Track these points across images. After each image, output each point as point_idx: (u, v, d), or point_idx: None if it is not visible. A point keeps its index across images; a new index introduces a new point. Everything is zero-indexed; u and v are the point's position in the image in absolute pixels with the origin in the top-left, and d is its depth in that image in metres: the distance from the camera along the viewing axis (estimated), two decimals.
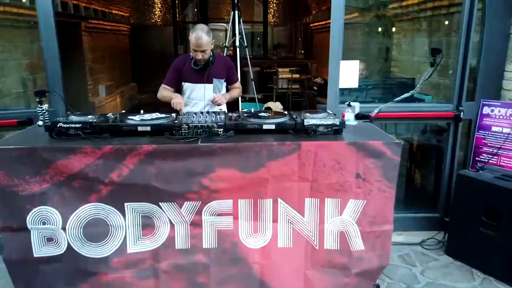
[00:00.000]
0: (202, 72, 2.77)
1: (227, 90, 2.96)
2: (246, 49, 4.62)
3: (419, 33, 4.38)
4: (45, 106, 2.65)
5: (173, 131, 2.26)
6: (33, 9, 5.06)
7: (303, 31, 10.33)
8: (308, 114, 2.42)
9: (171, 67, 2.89)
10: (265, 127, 2.34)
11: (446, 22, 3.77)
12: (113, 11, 7.89)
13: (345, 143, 2.20)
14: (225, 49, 4.65)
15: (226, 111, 2.87)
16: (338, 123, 2.32)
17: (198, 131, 2.26)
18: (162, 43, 10.78)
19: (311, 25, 9.36)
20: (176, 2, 10.90)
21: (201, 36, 2.62)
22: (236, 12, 4.27)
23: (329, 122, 2.32)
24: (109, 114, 2.37)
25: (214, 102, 2.77)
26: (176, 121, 2.30)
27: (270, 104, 4.28)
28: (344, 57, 3.01)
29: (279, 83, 8.86)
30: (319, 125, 2.32)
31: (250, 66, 4.80)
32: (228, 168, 2.16)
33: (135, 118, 2.37)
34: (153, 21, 11.00)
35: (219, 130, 2.28)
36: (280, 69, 8.88)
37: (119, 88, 8.36)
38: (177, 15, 11.06)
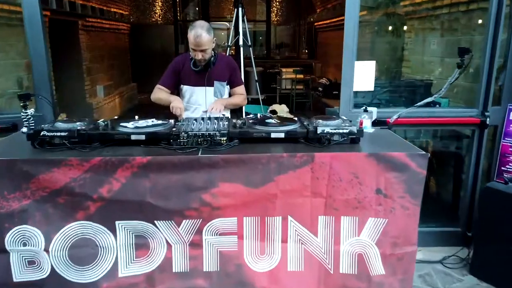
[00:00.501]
0: (202, 74, 2.52)
1: (230, 94, 2.70)
2: (250, 48, 4.38)
3: (433, 32, 4.12)
4: (31, 111, 2.41)
5: (170, 140, 2.02)
6: None
7: (307, 30, 10.09)
8: (320, 121, 2.17)
9: (168, 67, 2.64)
10: (273, 135, 2.10)
11: (465, 20, 3.52)
12: (112, 9, 7.66)
13: (364, 155, 1.95)
14: (228, 48, 4.41)
15: (229, 117, 2.63)
16: (355, 131, 2.07)
17: (199, 140, 2.02)
18: (162, 42, 10.56)
19: (316, 24, 9.11)
20: (177, 0, 10.66)
21: (200, 34, 2.35)
22: (240, 9, 4.02)
23: (345, 130, 2.07)
24: (100, 121, 2.12)
25: (211, 112, 2.46)
26: (174, 129, 2.06)
27: (275, 106, 4.04)
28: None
29: (283, 83, 8.62)
30: (334, 133, 2.07)
31: (254, 66, 4.56)
32: (232, 182, 1.92)
33: (129, 125, 2.12)
34: (153, 19, 10.77)
35: (222, 139, 2.03)
36: (283, 69, 8.64)
37: (118, 89, 8.13)
38: (178, 14, 10.82)
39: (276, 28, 10.98)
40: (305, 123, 2.21)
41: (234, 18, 4.14)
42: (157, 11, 10.78)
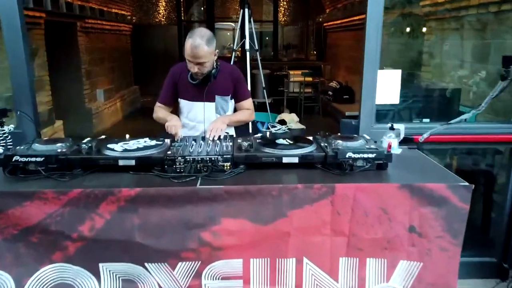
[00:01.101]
0: (202, 88, 2.15)
1: (235, 110, 2.35)
2: (258, 52, 4.06)
3: (456, 34, 3.78)
4: (9, 128, 2.13)
5: (164, 166, 1.71)
6: (30, 9, 4.61)
7: (315, 31, 9.74)
8: (340, 142, 1.86)
9: (165, 80, 2.28)
10: (285, 160, 1.79)
11: (496, 22, 3.17)
12: (113, 10, 7.38)
13: (395, 186, 1.64)
14: (233, 52, 4.10)
15: (234, 135, 2.31)
16: (383, 156, 1.76)
17: (198, 166, 1.71)
18: (166, 43, 10.27)
19: (325, 24, 8.77)
20: (181, 0, 10.37)
21: (198, 45, 1.97)
22: (246, 10, 3.70)
23: (371, 154, 1.75)
24: (84, 142, 1.82)
25: (210, 135, 2.04)
26: (169, 152, 1.76)
27: (284, 116, 3.73)
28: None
29: (291, 86, 8.29)
30: (358, 158, 1.75)
31: (261, 70, 4.23)
32: (237, 218, 1.62)
33: (116, 148, 1.82)
34: (156, 20, 10.48)
35: (225, 164, 1.73)
36: (291, 72, 8.31)
37: (120, 92, 7.85)
38: (182, 14, 10.53)
39: (283, 28, 10.65)
40: (322, 144, 1.90)
41: (240, 20, 3.84)
42: (161, 11, 10.50)
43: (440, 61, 4.02)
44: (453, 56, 3.79)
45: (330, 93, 7.20)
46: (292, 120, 3.77)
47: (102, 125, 6.71)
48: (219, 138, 2.00)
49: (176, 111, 2.34)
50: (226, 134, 2.06)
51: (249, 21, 3.75)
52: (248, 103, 2.33)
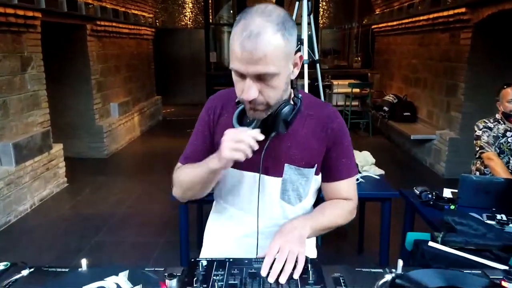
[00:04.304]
0: (259, 143, 0.96)
1: (318, 200, 1.22)
2: (318, 65, 2.92)
3: None
4: None
5: None
6: (19, 8, 3.69)
7: (361, 34, 8.50)
8: None
9: (197, 123, 1.19)
10: None
11: None
12: (132, 11, 6.43)
13: None
14: None
15: (314, 259, 1.13)
16: None
17: None
18: (192, 48, 9.31)
19: (373, 26, 7.52)
20: (209, 2, 9.38)
21: (259, 32, 0.87)
22: (305, 2, 2.52)
23: None
24: None
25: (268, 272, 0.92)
26: None
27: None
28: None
29: (334, 98, 7.11)
30: None
31: (320, 87, 3.04)
32: None
33: None
34: (182, 23, 9.54)
35: None
36: (335, 82, 7.12)
37: (138, 104, 6.90)
38: (210, 17, 9.54)
39: (322, 31, 9.46)
40: None
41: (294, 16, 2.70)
42: (187, 13, 9.55)
43: None
44: None
45: (386, 108, 5.95)
46: (365, 160, 2.60)
47: (116, 144, 5.76)
48: (290, 280, 0.87)
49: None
50: (306, 264, 0.93)
51: (309, 23, 2.53)
52: (350, 187, 1.16)
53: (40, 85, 3.99)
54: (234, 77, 0.95)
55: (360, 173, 2.48)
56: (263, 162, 1.04)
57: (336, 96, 7.05)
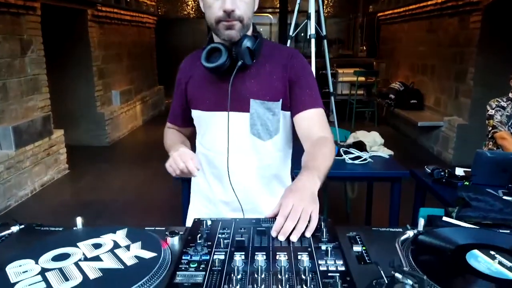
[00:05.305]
0: (224, 79, 1.12)
1: (293, 127, 1.21)
2: (325, 41, 2.82)
3: None
4: None
5: None
6: None
7: (366, 23, 8.37)
8: None
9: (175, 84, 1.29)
10: None
11: None
12: None
13: None
14: (289, 40, 2.88)
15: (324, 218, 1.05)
16: None
17: None
18: (195, 38, 9.21)
19: (379, 14, 7.39)
20: None
21: None
22: None
23: None
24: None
25: (279, 232, 0.83)
26: None
27: (361, 135, 2.50)
28: None
29: (339, 87, 7.00)
30: None
31: (328, 64, 2.95)
32: None
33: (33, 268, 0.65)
34: (185, 13, 9.43)
35: None
36: (340, 70, 7.01)
37: (140, 93, 6.83)
38: None
39: (327, 20, 9.31)
40: None
41: None
42: (190, 2, 9.44)
43: None
44: None
45: (392, 96, 5.85)
46: (374, 141, 2.51)
47: (118, 132, 5.69)
48: (302, 238, 0.80)
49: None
50: (318, 223, 0.86)
51: None
52: (320, 120, 1.15)
53: (40, 69, 3.92)
54: (207, 2, 1.07)
55: (369, 152, 2.40)
56: (231, 97, 1.10)
57: (341, 85, 6.94)
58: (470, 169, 2.04)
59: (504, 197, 1.69)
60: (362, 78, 6.61)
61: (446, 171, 2.04)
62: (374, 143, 2.50)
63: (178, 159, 1.05)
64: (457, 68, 4.71)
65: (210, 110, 1.17)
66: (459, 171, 2.13)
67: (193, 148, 1.25)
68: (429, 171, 2.08)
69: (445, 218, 1.36)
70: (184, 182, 2.17)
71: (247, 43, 1.07)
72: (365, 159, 2.32)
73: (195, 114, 1.22)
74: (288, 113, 1.18)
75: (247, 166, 1.18)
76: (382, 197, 2.67)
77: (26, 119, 3.60)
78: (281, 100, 1.15)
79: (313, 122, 1.13)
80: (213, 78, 1.14)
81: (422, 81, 5.73)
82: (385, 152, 2.46)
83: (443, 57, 5.05)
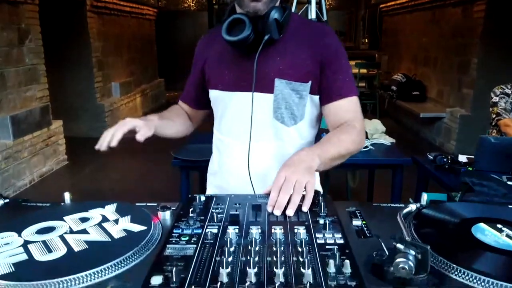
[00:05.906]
0: (247, 55, 1.02)
1: (319, 119, 1.13)
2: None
3: None
4: None
5: None
6: None
7: (368, 15, 8.29)
8: None
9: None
10: None
11: None
12: None
13: None
14: None
15: (322, 192, 1.00)
16: None
17: None
18: (195, 31, 9.14)
19: (381, 6, 7.31)
20: None
21: None
22: None
23: None
24: None
25: (274, 207, 0.80)
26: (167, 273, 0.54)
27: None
28: None
29: None
30: None
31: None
32: None
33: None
34: (185, 5, 9.36)
35: None
36: None
37: (141, 86, 6.78)
38: None
39: (329, 13, 9.23)
40: None
41: None
42: None
43: None
44: None
45: (394, 88, 5.79)
46: (375, 129, 2.47)
47: None
48: (299, 212, 0.77)
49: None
50: (316, 198, 0.82)
51: None
52: (352, 107, 1.05)
53: (38, 59, 3.88)
54: None
55: (371, 140, 2.36)
56: (257, 76, 0.99)
57: None
58: (473, 156, 2.00)
59: (508, 183, 1.65)
60: (364, 70, 6.55)
61: (449, 157, 2.00)
62: (376, 131, 2.46)
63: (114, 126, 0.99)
64: (460, 59, 4.64)
65: (230, 91, 1.06)
66: (462, 158, 2.09)
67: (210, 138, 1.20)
68: (432, 157, 2.04)
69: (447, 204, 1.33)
70: (183, 172, 2.13)
71: (274, 14, 0.95)
72: (366, 146, 2.28)
73: (213, 94, 1.11)
74: (317, 97, 1.05)
75: (267, 154, 1.06)
76: (383, 187, 2.63)
77: (24, 109, 3.57)
78: (310, 82, 1.02)
79: (348, 113, 1.03)
80: (234, 54, 1.03)
81: (424, 73, 5.66)
82: (387, 140, 2.42)
83: (446, 48, 4.98)
